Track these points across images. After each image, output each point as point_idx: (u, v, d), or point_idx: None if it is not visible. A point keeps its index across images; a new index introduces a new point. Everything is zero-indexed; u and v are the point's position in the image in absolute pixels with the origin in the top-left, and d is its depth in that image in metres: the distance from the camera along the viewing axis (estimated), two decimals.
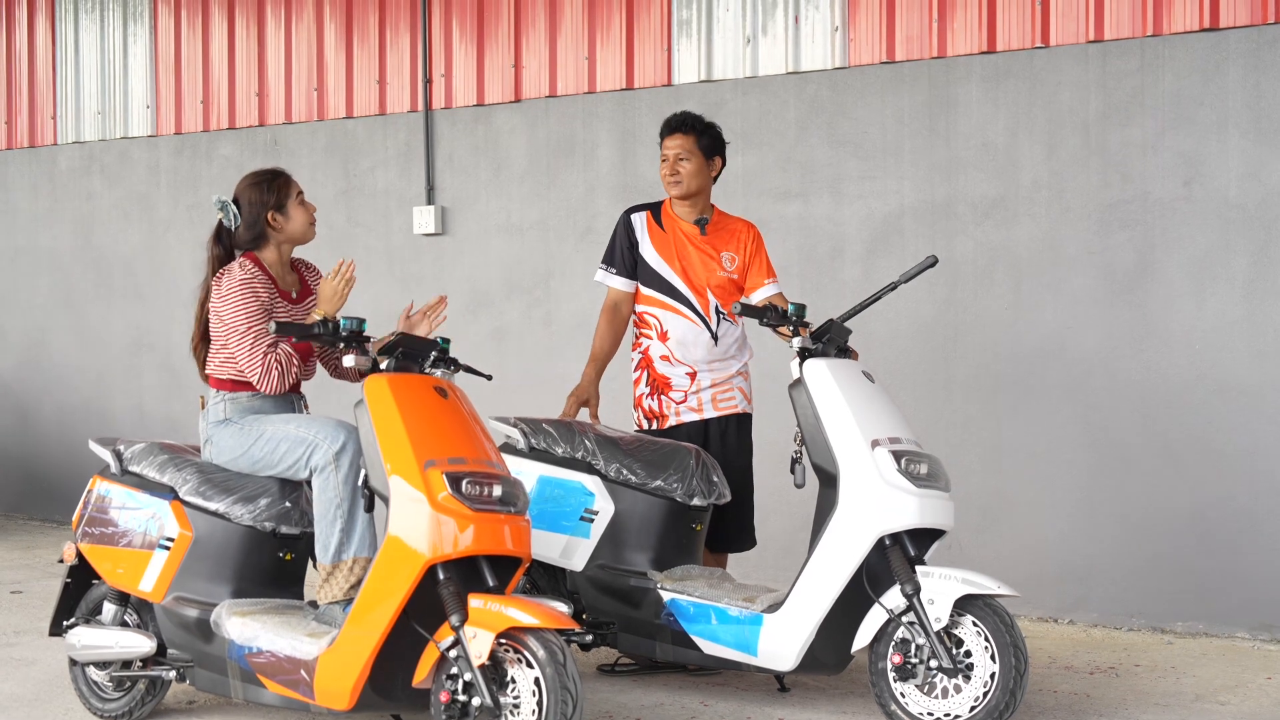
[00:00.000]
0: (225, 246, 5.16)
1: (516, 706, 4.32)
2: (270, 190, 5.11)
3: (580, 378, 6.01)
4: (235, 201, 5.14)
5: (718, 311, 5.92)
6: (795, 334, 5.33)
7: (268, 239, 5.12)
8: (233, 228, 5.13)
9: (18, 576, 7.99)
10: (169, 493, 5.03)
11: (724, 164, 6.07)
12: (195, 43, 9.40)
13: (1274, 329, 6.44)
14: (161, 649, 5.05)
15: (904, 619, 4.92)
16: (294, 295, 5.16)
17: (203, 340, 5.16)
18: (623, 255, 5.99)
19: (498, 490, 4.49)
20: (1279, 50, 6.41)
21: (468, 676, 4.35)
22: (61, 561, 5.34)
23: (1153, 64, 6.64)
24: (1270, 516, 6.44)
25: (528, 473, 5.57)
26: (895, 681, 4.92)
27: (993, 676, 4.78)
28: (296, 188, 5.17)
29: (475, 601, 4.37)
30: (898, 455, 5.03)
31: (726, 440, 5.94)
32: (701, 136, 5.96)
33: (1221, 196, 6.53)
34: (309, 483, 4.89)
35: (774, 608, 5.14)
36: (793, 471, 5.26)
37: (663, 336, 5.92)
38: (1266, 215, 6.45)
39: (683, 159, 5.92)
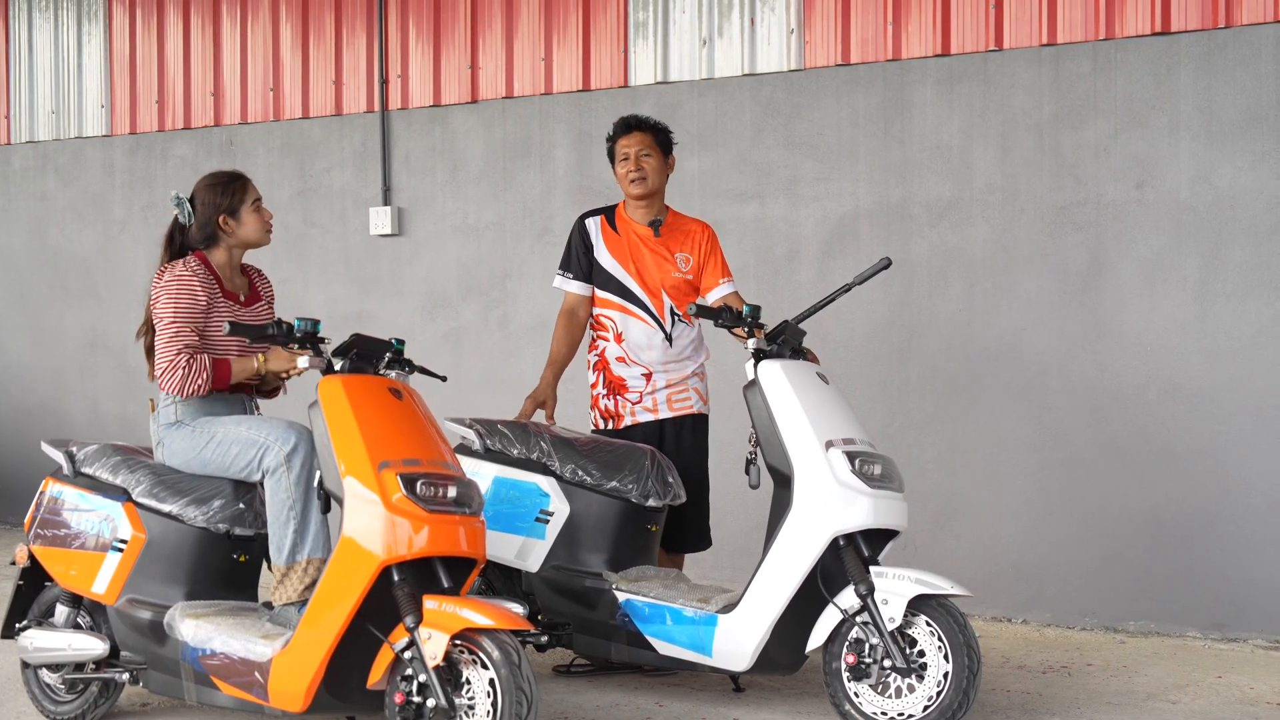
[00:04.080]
0: (177, 245, 5.14)
1: (471, 708, 4.32)
2: (225, 194, 5.10)
3: (539, 381, 6.02)
4: (191, 200, 5.13)
5: (672, 313, 5.93)
6: (750, 335, 5.34)
7: (219, 241, 5.11)
8: (186, 225, 5.12)
9: None
10: (122, 494, 5.00)
11: (675, 163, 6.10)
12: (150, 42, 9.34)
13: (1225, 330, 6.50)
14: (115, 651, 5.03)
15: (858, 619, 4.93)
16: (241, 298, 5.14)
17: (149, 334, 5.15)
18: (578, 260, 6.00)
19: (452, 491, 4.49)
20: (1229, 54, 6.48)
21: (422, 678, 4.35)
22: (14, 563, 5.30)
23: (1105, 67, 6.69)
24: (1222, 516, 6.50)
25: (483, 474, 5.57)
26: (849, 681, 4.94)
27: (946, 676, 4.80)
28: (254, 194, 5.15)
29: (430, 603, 4.37)
30: (851, 456, 5.05)
31: (682, 441, 5.94)
32: (658, 134, 5.98)
33: (1173, 199, 6.59)
34: (262, 484, 4.87)
35: (729, 608, 5.15)
36: (747, 472, 5.27)
37: (618, 338, 5.93)
38: (1217, 218, 6.51)
39: (646, 154, 5.92)
